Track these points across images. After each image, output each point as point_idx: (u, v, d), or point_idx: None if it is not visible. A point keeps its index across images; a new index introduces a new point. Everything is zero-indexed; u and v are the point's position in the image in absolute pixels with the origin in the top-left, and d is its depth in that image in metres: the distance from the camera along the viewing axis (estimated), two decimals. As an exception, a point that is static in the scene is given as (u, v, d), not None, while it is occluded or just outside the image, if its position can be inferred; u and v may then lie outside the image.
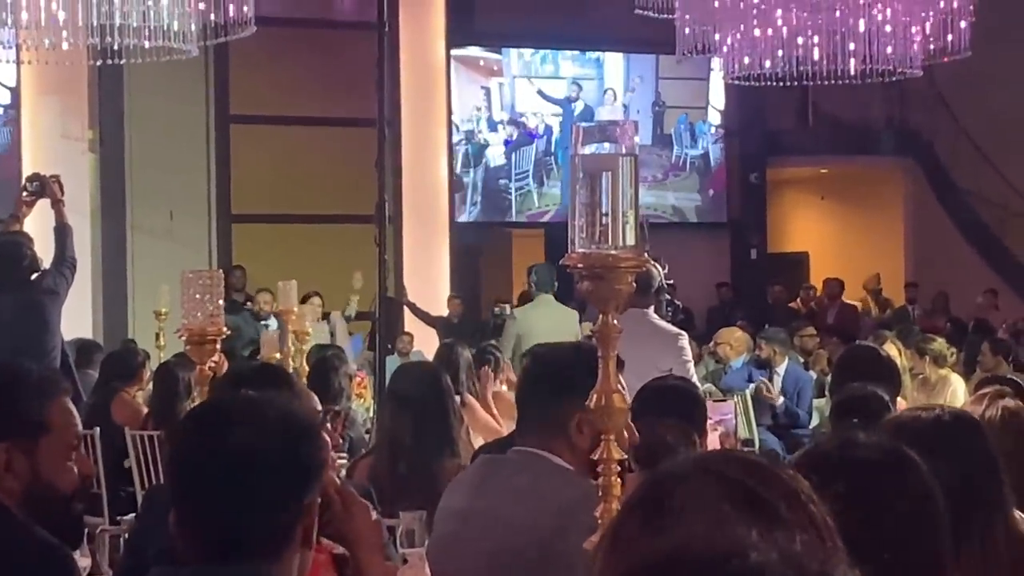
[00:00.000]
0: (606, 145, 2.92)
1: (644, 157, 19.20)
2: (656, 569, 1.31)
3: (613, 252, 2.82)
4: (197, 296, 4.53)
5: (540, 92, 20.12)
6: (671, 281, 9.88)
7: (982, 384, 5.93)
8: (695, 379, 7.52)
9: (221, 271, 5.06)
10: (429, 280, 16.67)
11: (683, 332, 8.23)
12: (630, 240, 2.83)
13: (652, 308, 7.94)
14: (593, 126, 2.97)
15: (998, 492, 3.13)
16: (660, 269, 8.33)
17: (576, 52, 20.37)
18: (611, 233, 2.82)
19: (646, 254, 3.11)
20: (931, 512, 2.50)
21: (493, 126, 19.83)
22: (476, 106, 19.66)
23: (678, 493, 1.60)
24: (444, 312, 16.06)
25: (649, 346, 7.15)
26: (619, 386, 2.96)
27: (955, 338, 13.11)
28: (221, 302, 4.58)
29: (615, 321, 2.90)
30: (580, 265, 2.84)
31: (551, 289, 11.46)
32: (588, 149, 2.90)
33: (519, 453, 3.70)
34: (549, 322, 10.91)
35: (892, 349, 10.47)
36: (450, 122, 18.97)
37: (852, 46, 11.91)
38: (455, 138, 19.19)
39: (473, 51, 19.70)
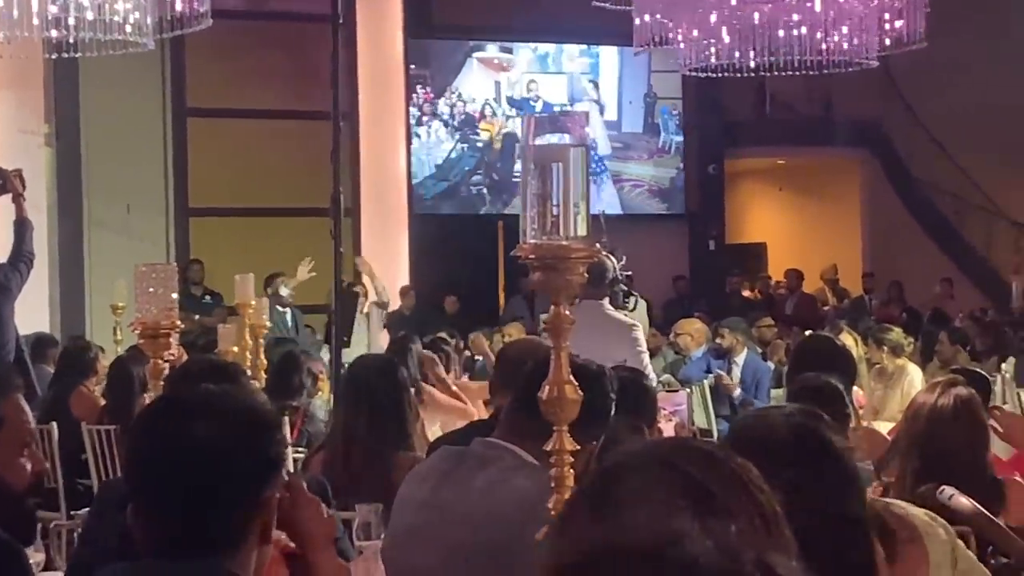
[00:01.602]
0: (566, 137, 2.92)
1: (634, 143, 20.94)
2: (593, 558, 1.32)
3: (564, 243, 2.82)
4: (151, 290, 4.50)
5: (508, 97, 20.36)
6: (628, 272, 9.89)
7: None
8: (650, 370, 7.54)
9: (175, 264, 5.04)
10: (387, 273, 16.59)
11: (637, 323, 8.24)
12: (582, 231, 2.83)
13: (607, 299, 7.95)
14: (544, 117, 2.97)
15: None
16: (615, 260, 8.34)
17: (583, 46, 20.90)
18: (562, 224, 2.82)
19: (599, 245, 3.11)
20: (843, 471, 2.57)
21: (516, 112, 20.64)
22: (492, 98, 20.39)
23: (625, 482, 1.59)
24: (397, 304, 16.09)
25: (603, 337, 7.16)
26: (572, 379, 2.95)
27: (910, 327, 13.18)
28: (175, 296, 4.56)
29: (567, 312, 2.90)
30: (532, 256, 2.84)
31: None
32: (540, 140, 2.90)
33: (485, 444, 3.67)
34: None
35: (848, 339, 10.53)
36: (408, 115, 18.99)
37: (808, 36, 11.94)
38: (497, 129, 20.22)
39: (491, 50, 20.40)
